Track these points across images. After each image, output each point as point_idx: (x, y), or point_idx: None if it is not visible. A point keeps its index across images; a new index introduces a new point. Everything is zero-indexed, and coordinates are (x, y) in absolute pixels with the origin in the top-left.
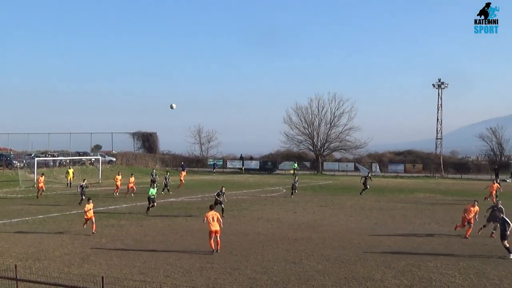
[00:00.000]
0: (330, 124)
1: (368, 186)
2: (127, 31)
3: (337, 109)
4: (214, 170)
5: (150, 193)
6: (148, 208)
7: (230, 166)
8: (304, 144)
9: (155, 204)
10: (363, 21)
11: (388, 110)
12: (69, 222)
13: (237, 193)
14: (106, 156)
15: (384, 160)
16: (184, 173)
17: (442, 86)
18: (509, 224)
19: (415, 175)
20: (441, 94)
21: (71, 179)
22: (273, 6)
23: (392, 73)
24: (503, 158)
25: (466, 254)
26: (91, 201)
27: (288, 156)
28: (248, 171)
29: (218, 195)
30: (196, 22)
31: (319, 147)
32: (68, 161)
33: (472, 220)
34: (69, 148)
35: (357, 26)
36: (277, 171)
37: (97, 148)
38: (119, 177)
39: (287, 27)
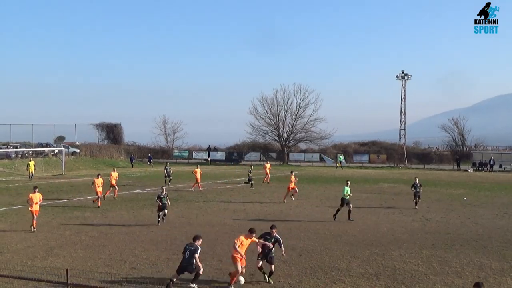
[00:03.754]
0: (296, 115)
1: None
2: (91, 20)
3: (303, 100)
4: (151, 163)
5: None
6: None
7: (196, 157)
8: (269, 135)
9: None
10: (331, 13)
11: (353, 102)
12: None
13: (203, 184)
14: (69, 147)
15: (349, 151)
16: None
17: (406, 78)
18: None
19: (380, 165)
20: (405, 86)
21: (33, 172)
22: None
23: (357, 65)
24: (464, 149)
25: (429, 243)
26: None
27: (254, 147)
28: (214, 162)
29: (159, 198)
30: (161, 12)
31: (284, 138)
32: (30, 152)
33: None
34: (31, 140)
35: (324, 18)
36: (243, 162)
37: (60, 140)
38: (115, 175)
39: (258, 21)
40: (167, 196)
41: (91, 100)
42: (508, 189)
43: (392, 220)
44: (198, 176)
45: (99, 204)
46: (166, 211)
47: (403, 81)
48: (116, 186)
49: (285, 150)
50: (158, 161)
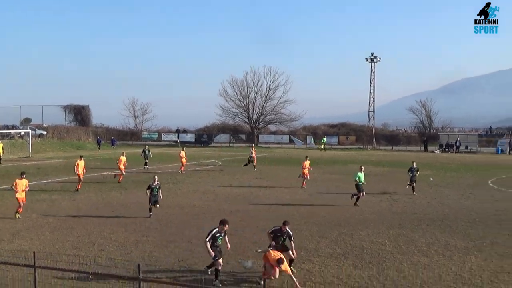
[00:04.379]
0: (266, 97)
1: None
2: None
3: (272, 82)
4: (114, 146)
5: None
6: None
7: (165, 139)
8: (239, 117)
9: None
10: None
11: (323, 84)
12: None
13: (173, 166)
14: (36, 129)
15: (319, 133)
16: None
17: (375, 60)
18: None
19: (349, 147)
20: (374, 68)
21: (1, 154)
22: None
23: (327, 47)
24: (431, 130)
25: (396, 223)
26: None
27: (223, 129)
28: (184, 144)
29: (150, 189)
30: None
31: (254, 120)
32: None
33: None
34: None
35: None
36: (213, 144)
37: (26, 121)
38: (124, 158)
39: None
40: (159, 187)
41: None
42: (474, 170)
43: (360, 200)
44: (184, 159)
45: (78, 187)
46: (157, 206)
47: (373, 63)
48: (123, 171)
49: (255, 132)
50: (127, 143)
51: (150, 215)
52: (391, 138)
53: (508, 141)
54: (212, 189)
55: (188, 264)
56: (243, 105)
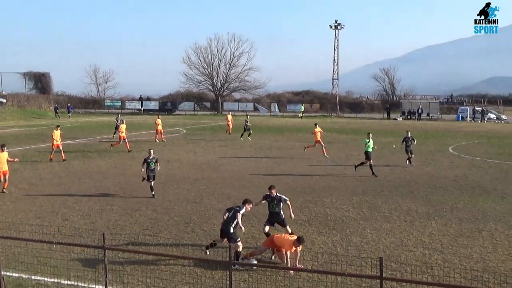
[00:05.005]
0: (230, 64)
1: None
2: None
3: (237, 49)
4: (69, 114)
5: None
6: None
7: (129, 107)
8: (203, 85)
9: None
10: None
11: (288, 51)
12: None
13: (137, 134)
14: None
15: (283, 100)
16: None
17: (339, 27)
18: None
19: (313, 114)
20: (338, 35)
21: None
22: None
23: (291, 14)
24: (394, 98)
25: (359, 189)
26: None
27: (187, 96)
28: (147, 112)
29: (146, 163)
30: None
31: (218, 88)
32: None
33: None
34: None
35: None
36: (177, 112)
37: None
38: (160, 121)
39: None
40: (156, 160)
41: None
42: (435, 137)
43: (325, 168)
44: (160, 127)
45: (51, 157)
46: (153, 182)
47: (336, 30)
48: (125, 140)
49: (219, 100)
50: (89, 112)
51: (153, 195)
52: (354, 105)
53: (468, 109)
54: (177, 157)
55: (153, 232)
56: (207, 72)
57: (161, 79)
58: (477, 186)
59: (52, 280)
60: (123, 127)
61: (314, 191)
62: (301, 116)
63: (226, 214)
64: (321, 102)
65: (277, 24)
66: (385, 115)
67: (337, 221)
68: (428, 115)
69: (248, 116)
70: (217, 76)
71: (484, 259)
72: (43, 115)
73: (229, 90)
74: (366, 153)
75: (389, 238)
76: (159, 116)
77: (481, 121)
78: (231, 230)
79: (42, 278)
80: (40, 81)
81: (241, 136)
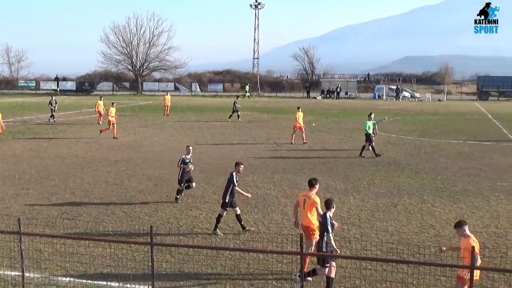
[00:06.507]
0: (149, 43)
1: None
2: None
3: (156, 28)
4: None
5: None
6: None
7: (44, 88)
8: (122, 64)
9: None
10: None
11: (209, 31)
12: None
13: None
14: None
15: (204, 80)
16: None
17: (259, 7)
18: None
19: (234, 94)
20: (258, 15)
21: None
22: None
23: None
24: (314, 77)
25: (280, 167)
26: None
27: (106, 76)
28: (64, 92)
29: (184, 162)
30: None
31: (138, 67)
32: None
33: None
34: None
35: None
36: (95, 92)
37: None
38: (101, 103)
39: None
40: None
41: None
42: (353, 115)
43: (246, 147)
44: (101, 109)
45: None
46: (194, 184)
47: (257, 10)
48: (114, 125)
49: (139, 80)
50: (2, 92)
51: (177, 198)
52: (275, 84)
53: (384, 87)
54: (95, 139)
55: (72, 216)
56: (126, 52)
57: (78, 58)
58: (392, 162)
59: None
60: (113, 110)
61: None
62: (248, 96)
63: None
64: (242, 82)
65: (199, 3)
66: (305, 94)
67: (259, 199)
68: (346, 93)
69: (238, 98)
70: (137, 55)
71: (399, 232)
72: None
73: (149, 70)
74: (368, 135)
75: None
76: (101, 98)
77: (396, 99)
78: (227, 199)
79: None
80: None
81: (229, 118)
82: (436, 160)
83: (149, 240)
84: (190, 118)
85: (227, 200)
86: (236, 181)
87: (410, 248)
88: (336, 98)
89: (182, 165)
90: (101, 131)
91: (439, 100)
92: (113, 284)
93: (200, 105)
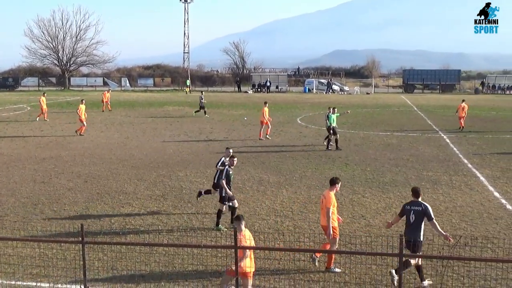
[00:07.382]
0: (76, 37)
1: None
2: None
3: (83, 22)
4: None
5: None
6: None
7: None
8: (48, 59)
9: None
10: None
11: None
12: None
13: None
14: None
15: (133, 75)
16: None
17: (188, 1)
18: None
19: (164, 88)
20: (188, 9)
21: None
22: None
23: None
24: (245, 71)
25: (213, 162)
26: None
27: (31, 71)
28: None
29: (227, 176)
30: None
31: (65, 62)
32: None
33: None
34: None
35: None
36: (20, 88)
37: None
38: (44, 99)
39: None
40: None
41: None
42: (284, 109)
43: (178, 142)
44: (44, 105)
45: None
46: (236, 202)
47: (186, 4)
48: (84, 122)
49: (66, 75)
50: None
51: (219, 223)
52: (206, 79)
53: (314, 81)
54: (21, 136)
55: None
56: (51, 46)
57: (0, 53)
58: (323, 154)
59: None
60: (82, 108)
61: (167, 166)
62: (190, 91)
63: None
64: (173, 76)
65: None
66: (236, 88)
67: (192, 194)
68: (277, 87)
69: (203, 93)
70: (63, 50)
71: None
72: None
73: (77, 65)
74: (330, 129)
75: (243, 208)
76: (45, 94)
77: (326, 93)
78: (224, 193)
79: None
80: None
81: (195, 112)
82: (365, 151)
83: (80, 238)
84: (120, 114)
85: (224, 194)
86: (231, 174)
87: (342, 238)
88: (267, 92)
89: (223, 178)
90: (76, 131)
91: (367, 93)
92: (43, 284)
93: (130, 100)
